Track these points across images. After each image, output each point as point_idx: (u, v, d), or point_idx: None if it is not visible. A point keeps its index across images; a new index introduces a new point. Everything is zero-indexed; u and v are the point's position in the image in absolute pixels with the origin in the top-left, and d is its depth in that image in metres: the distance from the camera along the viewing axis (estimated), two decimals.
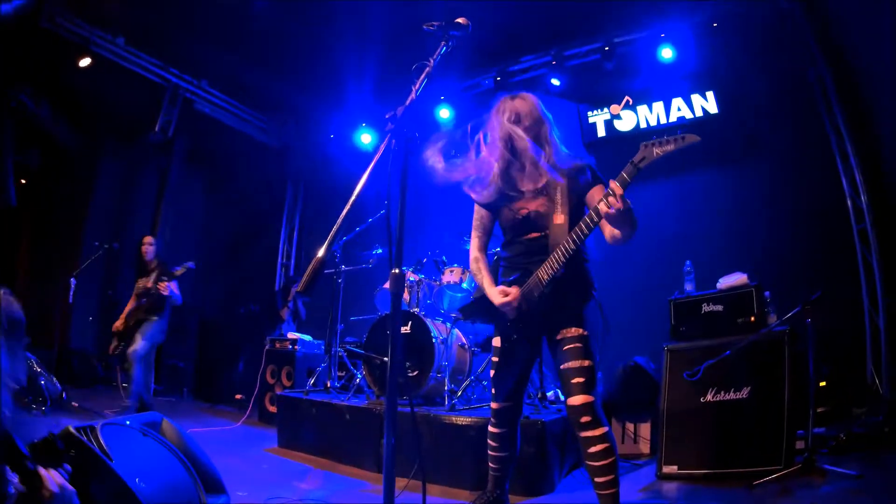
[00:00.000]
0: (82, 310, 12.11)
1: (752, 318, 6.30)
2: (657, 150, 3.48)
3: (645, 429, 7.69)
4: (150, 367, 9.27)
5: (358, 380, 8.14)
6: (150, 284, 9.33)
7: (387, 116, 2.83)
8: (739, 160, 10.01)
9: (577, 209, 4.05)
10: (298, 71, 12.96)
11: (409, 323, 7.70)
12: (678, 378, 6.29)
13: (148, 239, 9.86)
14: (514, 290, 4.18)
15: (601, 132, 11.21)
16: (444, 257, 8.69)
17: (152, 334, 9.12)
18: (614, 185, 3.52)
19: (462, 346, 7.87)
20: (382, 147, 2.80)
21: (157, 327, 9.22)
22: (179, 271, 9.28)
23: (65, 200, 13.85)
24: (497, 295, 4.22)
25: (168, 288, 9.15)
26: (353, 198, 2.66)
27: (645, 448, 7.60)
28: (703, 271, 7.58)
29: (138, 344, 8.94)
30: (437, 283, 8.39)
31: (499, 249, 4.66)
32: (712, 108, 10.12)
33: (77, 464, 3.10)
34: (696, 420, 6.09)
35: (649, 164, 3.53)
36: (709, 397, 6.07)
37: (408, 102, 2.93)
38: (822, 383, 7.74)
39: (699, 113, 10.25)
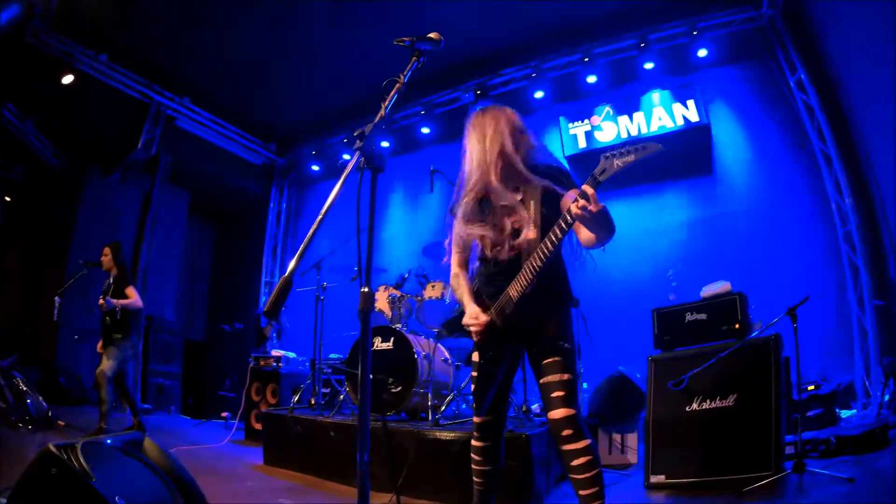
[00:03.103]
0: (68, 328, 12.04)
1: (737, 326, 6.27)
2: (618, 162, 3.44)
3: (632, 439, 7.67)
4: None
5: (342, 396, 8.11)
6: (101, 302, 8.95)
7: (355, 134, 2.81)
8: (722, 167, 10.07)
9: (551, 219, 3.99)
10: (281, 89, 12.98)
11: (392, 339, 7.71)
12: (663, 387, 6.26)
13: (105, 250, 9.43)
14: (483, 316, 4.15)
15: (582, 144, 11.26)
16: (425, 273, 8.66)
17: (119, 353, 8.80)
18: (586, 188, 3.49)
19: (445, 361, 7.86)
20: (351, 164, 2.78)
21: (124, 345, 8.90)
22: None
23: (50, 218, 13.79)
24: (469, 316, 4.21)
25: (108, 303, 8.79)
26: (320, 216, 2.63)
27: (633, 458, 7.57)
28: (687, 279, 7.59)
29: (104, 364, 8.65)
30: (420, 298, 8.35)
31: (478, 264, 4.63)
32: (693, 116, 10.16)
33: (57, 482, 3.09)
34: (682, 429, 6.07)
35: (611, 175, 3.48)
36: (695, 406, 6.05)
37: (377, 119, 2.90)
38: (811, 387, 7.75)
39: (680, 122, 10.29)
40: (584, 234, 3.93)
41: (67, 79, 11.49)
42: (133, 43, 11.71)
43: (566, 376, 3.92)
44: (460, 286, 4.43)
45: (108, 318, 8.89)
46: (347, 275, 9.33)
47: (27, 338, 12.43)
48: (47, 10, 10.32)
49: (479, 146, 4.23)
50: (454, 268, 4.52)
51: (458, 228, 4.40)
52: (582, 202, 3.46)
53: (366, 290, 2.73)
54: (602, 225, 3.70)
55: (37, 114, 12.42)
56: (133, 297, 9.00)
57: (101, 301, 8.75)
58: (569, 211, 3.59)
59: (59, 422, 9.21)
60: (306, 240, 2.61)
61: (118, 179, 13.82)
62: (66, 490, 3.11)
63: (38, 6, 10.20)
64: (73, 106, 12.34)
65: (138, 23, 11.03)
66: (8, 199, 13.41)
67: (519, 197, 4.16)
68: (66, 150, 13.39)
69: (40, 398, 9.44)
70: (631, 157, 3.41)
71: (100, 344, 8.99)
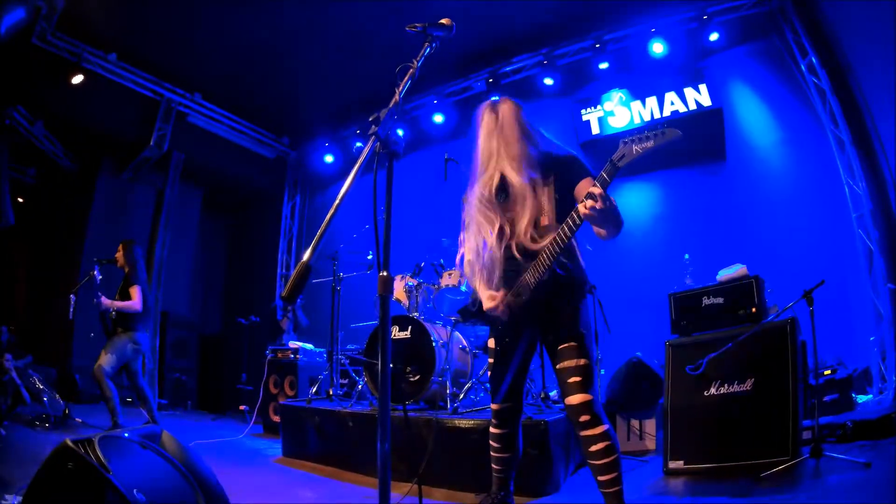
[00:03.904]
0: (83, 326, 12.06)
1: (754, 310, 6.23)
2: (636, 148, 3.42)
3: (650, 425, 7.66)
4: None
5: (360, 386, 8.14)
6: (116, 297, 8.97)
7: (370, 120, 2.80)
8: (735, 150, 10.04)
9: (566, 207, 3.99)
10: (292, 81, 12.98)
11: (409, 328, 7.69)
12: (681, 373, 6.24)
13: (119, 247, 9.42)
14: (500, 295, 4.16)
15: (595, 130, 11.20)
16: (441, 261, 8.66)
17: (117, 348, 8.69)
18: (594, 186, 3.50)
19: (463, 349, 7.85)
20: (366, 151, 2.77)
21: (124, 341, 8.79)
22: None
23: (63, 217, 13.86)
24: (486, 300, 4.21)
25: (100, 302, 8.66)
26: (336, 202, 2.62)
27: (651, 444, 7.57)
28: (703, 264, 7.57)
29: (102, 359, 8.55)
30: (436, 287, 8.34)
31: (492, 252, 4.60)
32: (706, 100, 10.11)
33: (74, 477, 3.09)
34: (700, 414, 6.05)
35: (630, 161, 3.47)
36: (712, 391, 6.02)
37: (391, 105, 2.88)
38: (828, 372, 7.72)
39: (693, 106, 10.25)
40: (594, 228, 3.92)
41: (77, 79, 11.53)
42: (141, 41, 11.73)
43: (582, 361, 3.93)
44: (474, 273, 4.42)
45: (112, 313, 8.88)
46: (363, 266, 9.35)
47: (43, 337, 12.48)
48: (52, 10, 10.33)
49: (491, 136, 4.26)
50: (468, 255, 4.51)
51: (472, 216, 4.40)
52: (590, 202, 3.45)
53: (384, 274, 2.73)
54: (610, 221, 3.71)
55: (46, 115, 12.46)
56: (134, 297, 8.91)
57: (94, 299, 8.74)
58: (577, 210, 3.59)
59: (77, 420, 9.23)
60: (322, 227, 2.60)
61: (131, 177, 13.86)
62: (83, 484, 3.10)
63: (43, 8, 10.22)
64: (82, 106, 12.37)
65: (146, 20, 11.04)
66: (20, 200, 13.45)
67: (533, 185, 4.15)
68: (77, 149, 13.44)
69: (57, 397, 9.48)
70: (650, 143, 3.39)
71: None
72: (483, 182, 4.28)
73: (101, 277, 8.83)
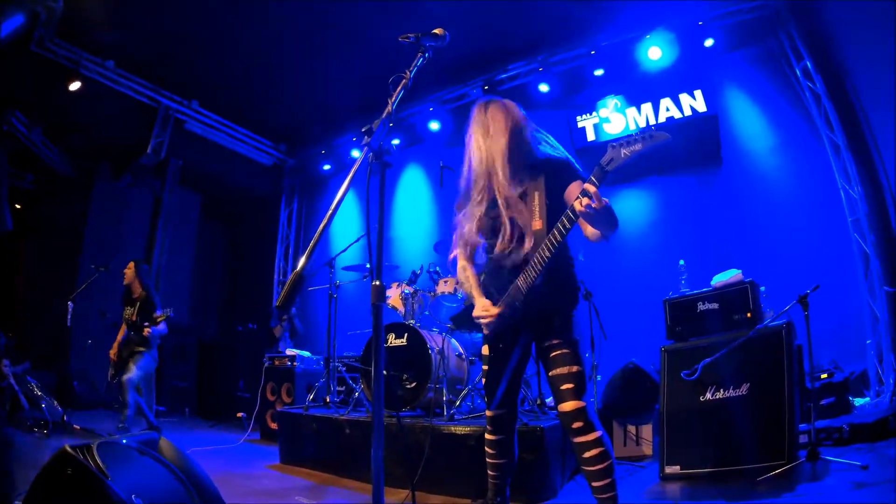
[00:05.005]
0: (81, 332, 12.06)
1: (749, 315, 6.24)
2: (625, 151, 3.42)
3: (647, 430, 7.66)
4: (148, 391, 9.31)
5: (357, 394, 8.12)
6: (134, 318, 9.22)
7: (363, 130, 2.82)
8: (730, 156, 10.04)
9: (557, 210, 3.98)
10: (289, 89, 12.99)
11: (406, 335, 7.70)
12: (676, 378, 6.25)
13: (129, 265, 9.65)
14: (494, 308, 4.15)
15: (590, 136, 11.20)
16: (437, 268, 8.66)
17: (144, 363, 9.03)
18: (588, 186, 3.49)
19: (459, 355, 7.83)
20: (359, 161, 2.79)
21: (147, 357, 9.12)
22: (160, 318, 9.15)
23: (61, 223, 13.87)
24: (479, 309, 4.22)
25: (153, 330, 9.09)
26: (329, 213, 2.64)
27: (648, 450, 7.56)
28: (698, 269, 7.56)
29: (132, 372, 8.83)
30: (432, 294, 8.37)
31: (485, 258, 4.60)
32: (701, 106, 10.11)
33: (73, 482, 3.10)
34: (696, 419, 6.06)
35: (619, 165, 3.45)
36: (708, 396, 6.04)
37: (384, 115, 2.90)
38: (824, 376, 7.72)
39: (688, 112, 10.24)
40: (589, 229, 3.91)
41: (74, 86, 11.53)
42: (139, 48, 11.73)
43: (575, 368, 3.93)
44: (468, 279, 4.43)
45: (132, 332, 9.04)
46: (360, 273, 9.37)
47: (41, 343, 12.47)
48: (51, 17, 10.34)
49: (482, 140, 4.25)
50: (461, 261, 4.52)
51: (465, 222, 4.40)
52: (585, 200, 3.44)
53: (377, 283, 2.75)
54: (605, 221, 3.68)
55: (45, 121, 12.48)
56: (160, 325, 9.26)
57: (146, 329, 9.12)
58: (572, 208, 3.59)
59: (75, 426, 9.24)
60: (316, 236, 2.62)
61: (128, 184, 13.87)
62: (82, 490, 3.11)
63: (42, 14, 10.23)
64: (80, 112, 12.40)
65: (144, 28, 11.04)
66: (18, 206, 13.46)
67: (524, 189, 4.16)
68: (74, 156, 13.45)
69: (55, 403, 9.49)
70: (638, 146, 3.38)
71: (113, 351, 9.10)
72: (475, 187, 4.28)
73: (153, 328, 9.14)
